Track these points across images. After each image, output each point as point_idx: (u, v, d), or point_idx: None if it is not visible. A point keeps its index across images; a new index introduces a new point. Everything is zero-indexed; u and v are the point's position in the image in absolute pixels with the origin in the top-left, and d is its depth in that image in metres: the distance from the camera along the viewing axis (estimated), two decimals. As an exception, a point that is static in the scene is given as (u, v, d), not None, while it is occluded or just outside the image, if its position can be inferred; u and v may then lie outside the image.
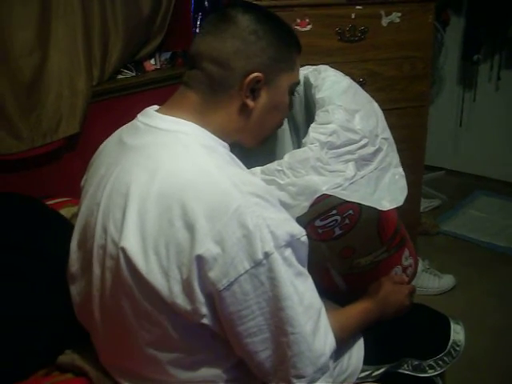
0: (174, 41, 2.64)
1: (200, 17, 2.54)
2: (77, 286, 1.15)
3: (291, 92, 1.17)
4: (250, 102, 1.07)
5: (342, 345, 1.18)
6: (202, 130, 1.05)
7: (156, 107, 1.11)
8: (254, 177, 1.06)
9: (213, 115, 1.07)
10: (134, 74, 2.49)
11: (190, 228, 0.91)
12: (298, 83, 1.20)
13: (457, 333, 1.40)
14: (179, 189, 0.94)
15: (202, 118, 1.06)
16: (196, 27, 2.55)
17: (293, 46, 1.14)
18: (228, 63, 1.04)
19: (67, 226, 1.52)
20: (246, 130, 1.12)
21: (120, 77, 2.45)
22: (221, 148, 1.06)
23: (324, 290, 1.05)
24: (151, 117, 1.08)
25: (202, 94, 1.06)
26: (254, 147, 1.19)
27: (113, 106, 2.32)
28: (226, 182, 0.94)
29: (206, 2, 2.52)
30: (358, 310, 1.25)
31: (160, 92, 2.46)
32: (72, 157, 2.22)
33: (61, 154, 2.19)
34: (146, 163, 0.99)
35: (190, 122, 1.04)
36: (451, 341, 1.38)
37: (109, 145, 1.15)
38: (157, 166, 0.98)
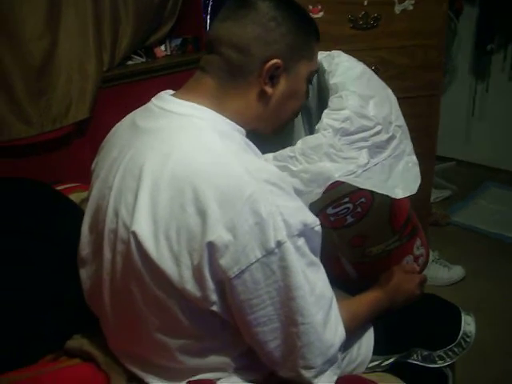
0: (184, 27, 2.63)
1: (211, 3, 2.52)
2: (87, 269, 1.15)
3: (309, 80, 1.16)
4: (268, 89, 1.06)
5: (352, 334, 1.18)
6: (218, 115, 1.04)
7: (171, 92, 1.10)
8: (268, 164, 1.05)
9: (230, 101, 1.06)
10: (144, 60, 2.48)
11: (202, 214, 0.90)
12: (316, 71, 1.19)
13: (467, 324, 1.39)
14: (192, 173, 0.93)
15: (218, 103, 1.05)
16: (207, 13, 2.54)
17: (312, 34, 1.13)
18: (248, 49, 1.03)
19: (77, 211, 1.53)
20: (264, 117, 1.11)
21: (130, 63, 2.44)
22: (236, 134, 1.04)
23: (334, 279, 1.04)
24: (166, 101, 1.07)
25: (219, 80, 1.05)
26: (269, 135, 1.18)
27: (123, 92, 2.31)
28: (239, 169, 0.93)
29: (218, -12, 2.51)
30: (368, 299, 1.25)
31: (170, 78, 2.45)
32: (82, 142, 2.21)
33: (70, 139, 2.19)
34: (160, 146, 0.98)
35: (206, 108, 1.03)
36: (462, 332, 1.37)
37: (121, 128, 1.14)
38: (171, 149, 0.97)
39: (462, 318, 1.40)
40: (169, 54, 2.60)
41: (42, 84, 2.06)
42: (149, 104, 1.10)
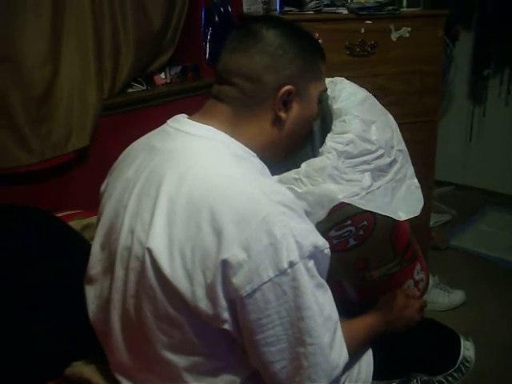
0: (184, 55, 2.65)
1: (210, 31, 2.55)
2: (96, 288, 1.15)
3: (319, 100, 1.19)
4: (282, 114, 1.09)
5: (351, 356, 1.18)
6: (233, 140, 1.06)
7: (185, 115, 1.13)
8: (282, 186, 1.06)
9: (245, 127, 1.08)
10: (144, 88, 2.50)
11: (218, 233, 0.92)
12: (325, 90, 1.21)
13: (467, 349, 1.40)
14: (209, 194, 0.95)
15: (233, 129, 1.07)
16: (206, 41, 2.57)
17: (318, 55, 1.16)
18: (259, 78, 1.06)
19: (77, 238, 1.53)
20: (278, 142, 1.13)
21: (130, 90, 2.46)
22: (251, 157, 1.07)
23: (336, 302, 1.05)
24: (182, 123, 1.10)
25: (233, 107, 1.08)
26: (279, 161, 1.19)
27: (123, 120, 2.33)
28: (255, 190, 0.95)
29: (216, 17, 2.54)
30: (367, 323, 1.25)
31: (170, 106, 2.46)
32: (82, 170, 2.22)
33: (71, 167, 2.19)
34: (177, 166, 1.00)
35: (221, 131, 1.06)
36: (461, 357, 1.38)
37: (135, 148, 1.16)
38: (188, 169, 0.99)
39: (462, 343, 1.40)
40: (169, 81, 2.62)
41: (43, 112, 2.07)
42: (164, 126, 1.12)
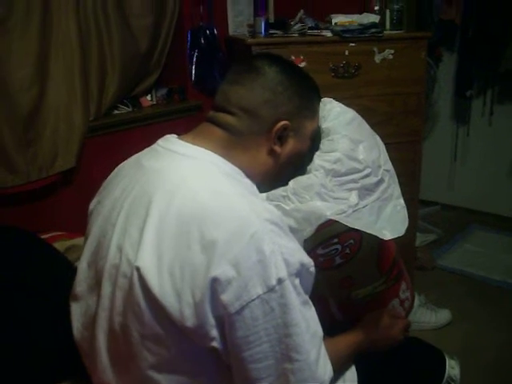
0: (170, 77, 2.66)
1: (196, 53, 2.57)
2: (81, 305, 1.14)
3: (312, 138, 1.21)
4: (277, 148, 1.13)
5: (335, 373, 1.18)
6: (224, 160, 1.08)
7: (176, 135, 1.14)
8: (269, 204, 1.07)
9: (238, 154, 1.10)
10: (130, 110, 2.50)
11: (207, 251, 0.92)
12: (318, 130, 1.24)
13: (452, 367, 1.40)
14: (198, 213, 0.95)
15: (225, 152, 1.09)
16: (192, 64, 2.58)
17: (315, 94, 1.21)
18: (257, 112, 1.10)
19: (62, 259, 1.52)
20: (268, 173, 1.16)
21: (116, 112, 2.46)
22: (240, 177, 1.08)
23: (320, 320, 1.05)
24: (172, 143, 1.11)
25: (228, 134, 1.10)
26: (266, 189, 1.20)
27: (109, 141, 2.33)
28: (244, 208, 0.96)
29: (202, 39, 2.56)
30: (349, 340, 1.25)
31: (156, 127, 2.47)
32: (68, 191, 2.21)
33: (56, 189, 2.18)
34: (166, 185, 1.01)
35: (212, 153, 1.07)
36: (446, 375, 1.38)
37: (125, 167, 1.16)
38: (177, 188, 1.00)
39: (447, 361, 1.40)
40: (155, 103, 2.63)
41: (29, 134, 2.07)
42: (154, 146, 1.13)
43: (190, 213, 0.96)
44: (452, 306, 2.70)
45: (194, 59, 2.58)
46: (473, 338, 2.51)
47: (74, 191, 2.20)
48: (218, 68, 2.57)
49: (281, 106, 1.11)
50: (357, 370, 1.27)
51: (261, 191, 1.14)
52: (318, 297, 1.05)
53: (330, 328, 1.29)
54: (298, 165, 1.21)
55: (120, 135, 2.37)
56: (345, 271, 1.25)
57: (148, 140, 1.16)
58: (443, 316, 2.64)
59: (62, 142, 2.15)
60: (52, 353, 1.27)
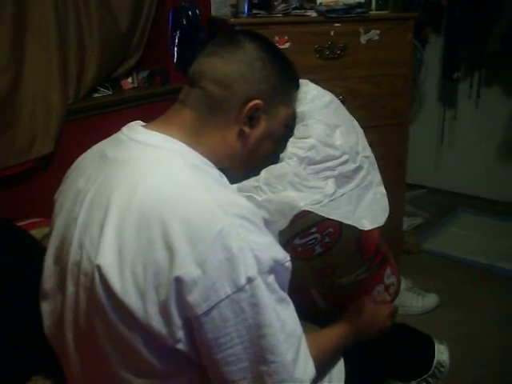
0: (151, 59, 2.61)
1: (178, 35, 2.51)
2: (50, 303, 1.10)
3: (286, 125, 1.17)
4: (246, 129, 1.07)
5: (321, 368, 1.15)
6: (190, 149, 1.03)
7: (141, 122, 1.09)
8: (240, 197, 1.02)
9: (206, 137, 1.06)
10: (110, 93, 2.45)
11: (170, 248, 0.87)
12: (293, 118, 1.19)
13: (441, 353, 1.39)
14: (160, 207, 0.90)
15: (193, 137, 1.04)
16: (174, 45, 2.53)
17: (293, 82, 1.18)
18: (231, 85, 1.05)
19: (38, 247, 1.48)
20: (237, 157, 1.11)
21: (96, 95, 2.41)
22: (207, 167, 1.03)
23: (304, 311, 1.02)
24: (136, 131, 1.05)
25: (198, 113, 1.06)
26: (238, 176, 1.16)
27: (88, 125, 2.28)
28: (210, 202, 0.91)
29: (184, 20, 2.50)
30: (336, 332, 1.23)
31: (137, 110, 2.42)
32: (46, 177, 2.16)
33: (33, 174, 2.13)
34: (128, 177, 0.96)
35: (178, 141, 1.02)
36: (435, 361, 1.37)
37: (89, 157, 1.11)
38: (139, 181, 0.94)
39: (436, 347, 1.39)
40: (136, 86, 2.58)
41: (5, 118, 2.01)
42: (118, 134, 1.08)
43: (152, 207, 0.90)
44: (439, 290, 2.69)
45: (176, 40, 2.52)
46: (459, 322, 2.51)
47: (52, 177, 2.15)
48: (201, 49, 2.51)
49: (257, 83, 1.06)
50: (344, 358, 1.25)
51: (233, 181, 1.10)
52: (299, 288, 1.02)
53: (316, 319, 1.27)
54: (268, 151, 1.16)
55: (100, 119, 2.31)
56: (326, 260, 1.22)
57: (129, 123, 1.10)
58: (430, 300, 2.63)
59: (39, 126, 2.09)
60: (26, 344, 1.24)
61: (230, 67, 1.05)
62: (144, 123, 1.09)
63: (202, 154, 1.04)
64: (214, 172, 1.04)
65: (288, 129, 1.16)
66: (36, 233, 1.65)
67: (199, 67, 1.08)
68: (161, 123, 1.07)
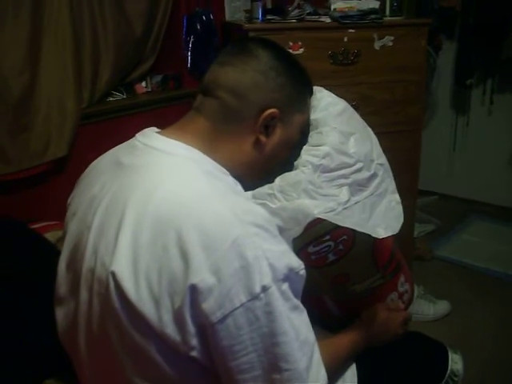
0: (165, 64, 2.62)
1: (192, 40, 2.53)
2: (64, 309, 1.10)
3: (301, 132, 1.16)
4: (262, 138, 1.07)
5: (334, 374, 1.14)
6: (205, 156, 1.02)
7: (155, 129, 1.09)
8: (255, 205, 1.02)
9: (222, 145, 1.06)
10: (124, 97, 2.46)
11: (185, 256, 0.87)
12: (308, 125, 1.19)
13: (455, 362, 1.37)
14: (176, 214, 0.90)
15: (208, 145, 1.04)
16: (188, 50, 2.54)
17: (307, 88, 1.17)
18: (246, 95, 1.04)
19: (52, 251, 1.49)
20: (253, 165, 1.10)
21: (110, 99, 2.42)
22: (222, 175, 1.03)
23: (317, 318, 1.01)
24: (151, 138, 1.05)
25: (213, 122, 1.05)
26: (253, 184, 1.15)
27: (102, 129, 2.29)
28: (225, 211, 0.90)
29: (199, 25, 2.51)
30: (349, 339, 1.22)
31: (151, 115, 2.43)
32: (60, 180, 2.18)
33: (49, 177, 2.15)
34: (144, 184, 0.96)
35: (193, 148, 1.02)
36: (449, 370, 1.35)
37: (103, 162, 1.11)
38: (154, 187, 0.94)
39: (450, 356, 1.38)
40: (150, 90, 2.59)
41: (20, 121, 2.03)
42: (133, 140, 1.08)
43: (168, 214, 0.90)
44: (451, 297, 2.68)
45: (190, 45, 2.53)
46: (472, 329, 2.50)
47: (66, 180, 2.16)
48: (215, 54, 2.51)
49: (271, 92, 1.06)
50: (357, 366, 1.25)
51: (247, 189, 1.09)
52: (313, 295, 1.01)
53: (329, 325, 1.27)
54: (284, 159, 1.16)
55: (114, 123, 2.33)
56: (339, 268, 1.21)
57: (142, 127, 1.10)
58: (442, 307, 2.62)
59: (54, 130, 2.11)
60: (40, 348, 1.24)
61: (244, 77, 1.05)
62: (158, 129, 1.09)
63: (217, 161, 1.03)
64: (229, 179, 1.04)
65: (303, 136, 1.16)
66: (50, 236, 1.66)
67: (213, 76, 1.08)
68: (175, 130, 1.06)
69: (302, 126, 1.15)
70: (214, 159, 1.03)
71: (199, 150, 1.02)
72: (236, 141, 1.06)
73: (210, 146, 1.04)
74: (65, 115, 2.12)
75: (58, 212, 2.01)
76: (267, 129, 1.07)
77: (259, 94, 1.05)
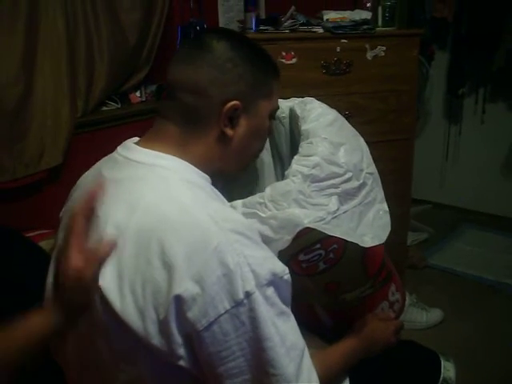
0: (159, 73, 2.63)
1: (186, 49, 2.54)
2: None
3: (271, 117, 1.15)
4: (228, 131, 1.05)
5: None
6: (182, 162, 1.02)
7: (136, 139, 1.09)
8: (235, 212, 1.03)
9: (192, 147, 1.04)
10: (119, 106, 2.48)
11: (168, 267, 0.88)
12: (277, 109, 1.17)
13: (447, 370, 1.37)
14: (158, 226, 0.91)
15: (182, 149, 1.03)
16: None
17: (270, 72, 1.12)
18: (204, 92, 1.02)
19: (47, 259, 1.49)
20: (227, 158, 1.09)
21: (105, 108, 2.44)
22: (202, 181, 1.03)
23: (309, 326, 1.02)
24: (130, 149, 1.05)
25: (180, 126, 1.04)
26: (238, 173, 1.16)
27: (97, 138, 2.30)
28: (205, 219, 0.91)
29: (193, 36, 2.52)
30: (341, 350, 1.22)
31: (145, 124, 2.39)
32: (54, 188, 2.19)
33: (42, 186, 2.16)
34: (125, 198, 0.96)
35: (169, 155, 1.02)
36: (441, 378, 1.35)
37: (88, 178, 1.12)
38: (135, 201, 0.95)
39: (442, 363, 1.38)
40: (144, 100, 2.61)
41: (15, 130, 2.04)
42: (114, 154, 1.08)
43: (149, 227, 0.91)
44: (443, 305, 2.70)
45: (184, 55, 2.54)
46: (465, 337, 2.50)
47: (60, 188, 2.14)
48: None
49: (230, 84, 1.03)
50: (350, 375, 1.25)
51: (230, 180, 1.09)
52: (304, 303, 1.02)
53: (319, 333, 1.27)
54: (258, 147, 1.16)
55: (108, 132, 2.34)
56: (330, 276, 1.22)
57: (136, 137, 1.11)
58: (434, 315, 2.63)
59: (48, 139, 2.12)
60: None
61: (200, 74, 1.02)
62: (137, 139, 1.09)
63: (193, 164, 1.03)
64: (208, 187, 1.04)
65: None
66: (44, 244, 1.66)
67: (170, 77, 1.05)
68: (150, 139, 1.06)
69: (270, 111, 1.13)
70: (190, 162, 1.03)
71: (175, 155, 1.02)
72: (204, 139, 1.05)
73: (184, 149, 1.03)
74: (59, 124, 2.13)
75: (52, 221, 2.02)
76: (232, 121, 1.05)
77: (217, 89, 1.02)
